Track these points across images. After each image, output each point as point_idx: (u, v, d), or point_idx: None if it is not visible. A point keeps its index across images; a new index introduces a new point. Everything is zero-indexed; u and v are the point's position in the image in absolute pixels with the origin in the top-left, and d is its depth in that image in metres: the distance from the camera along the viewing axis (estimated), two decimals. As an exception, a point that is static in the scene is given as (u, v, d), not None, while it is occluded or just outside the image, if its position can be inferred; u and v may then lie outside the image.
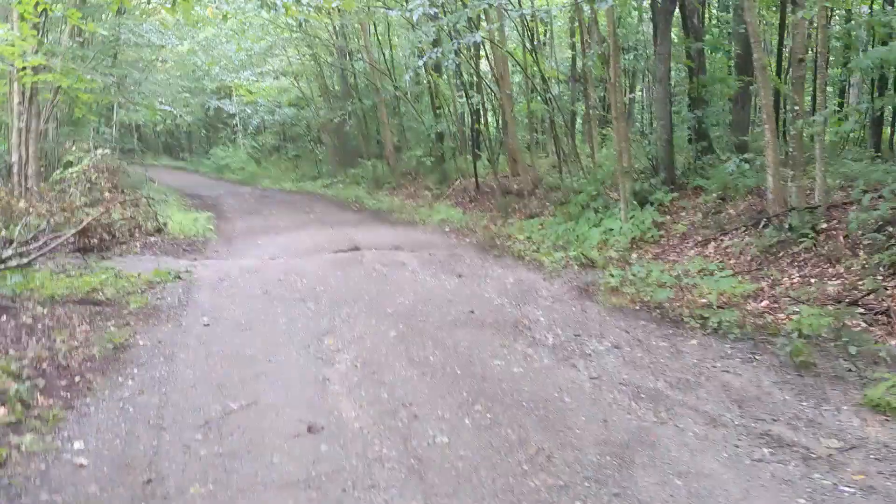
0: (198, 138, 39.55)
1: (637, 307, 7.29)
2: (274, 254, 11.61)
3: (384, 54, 22.12)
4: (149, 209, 13.38)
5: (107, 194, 13.26)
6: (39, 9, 9.77)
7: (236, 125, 32.86)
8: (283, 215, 17.08)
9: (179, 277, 9.79)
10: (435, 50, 12.53)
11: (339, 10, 22.52)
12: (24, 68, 12.07)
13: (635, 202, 12.48)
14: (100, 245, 11.89)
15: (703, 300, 7.32)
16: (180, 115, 27.33)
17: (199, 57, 24.33)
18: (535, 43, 16.19)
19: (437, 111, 21.19)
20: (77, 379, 5.59)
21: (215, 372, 5.63)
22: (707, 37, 15.18)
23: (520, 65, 16.62)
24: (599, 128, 17.71)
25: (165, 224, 13.81)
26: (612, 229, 11.98)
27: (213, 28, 24.88)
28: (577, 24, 18.27)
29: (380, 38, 22.05)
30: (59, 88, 16.27)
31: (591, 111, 16.01)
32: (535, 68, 15.91)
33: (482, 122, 19.15)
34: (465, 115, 20.66)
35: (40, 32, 14.40)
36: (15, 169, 15.20)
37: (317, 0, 8.39)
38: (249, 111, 29.84)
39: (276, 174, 28.75)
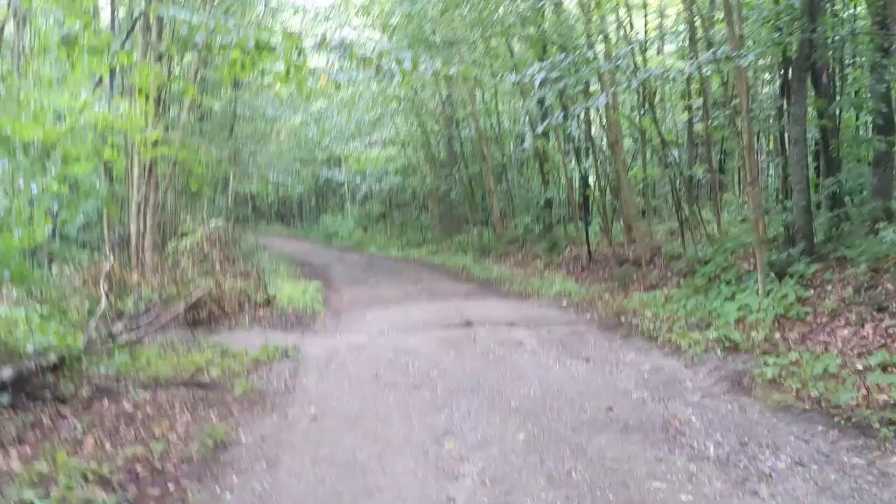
0: (308, 206, 40.04)
1: (807, 406, 6.09)
2: (382, 329, 10.89)
3: (491, 122, 21.59)
4: (259, 281, 12.97)
5: (217, 266, 12.95)
6: (157, 83, 9.55)
7: (345, 193, 33.02)
8: (391, 285, 16.47)
9: (287, 355, 9.17)
10: (556, 115, 11.76)
11: (448, 79, 22.32)
12: (144, 143, 11.99)
13: (772, 274, 11.21)
14: (209, 318, 11.48)
15: (884, 397, 6.07)
16: (291, 186, 27.54)
17: (311, 129, 24.41)
18: (652, 105, 15.23)
19: (545, 177, 20.41)
20: (171, 487, 4.88)
21: (323, 486, 4.80)
22: (843, 96, 13.88)
23: (637, 127, 15.66)
24: (720, 193, 16.48)
25: (275, 296, 13.37)
26: (748, 305, 10.71)
27: (324, 101, 25.08)
28: (694, 84, 17.28)
29: (486, 105, 21.56)
30: (175, 161, 16.39)
31: (714, 175, 14.80)
32: (654, 130, 14.90)
33: (593, 188, 18.24)
34: (575, 180, 19.79)
35: (159, 108, 14.48)
36: (133, 241, 15.19)
37: (434, 66, 7.79)
38: (358, 180, 29.89)
39: (382, 241, 28.49)
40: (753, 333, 9.03)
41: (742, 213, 16.85)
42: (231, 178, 23.04)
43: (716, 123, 14.02)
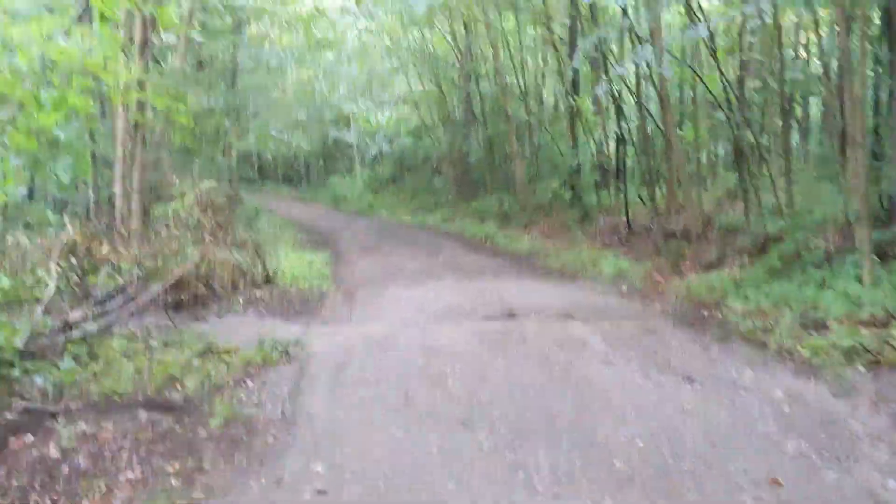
0: (316, 168, 37.57)
1: None
2: (406, 316, 8.62)
3: (517, 77, 19.06)
4: (256, 256, 10.69)
5: (207, 237, 10.66)
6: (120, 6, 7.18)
7: (354, 155, 30.59)
8: (408, 256, 14.17)
9: (287, 353, 6.95)
10: (618, 66, 9.38)
11: (466, 28, 19.78)
12: (117, 87, 9.63)
13: (875, 257, 8.93)
14: (195, 301, 9.21)
15: None
16: (297, 144, 25.10)
17: (318, 82, 21.84)
18: (715, 57, 12.77)
19: (576, 139, 17.98)
20: None
21: None
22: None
23: (700, 77, 13.21)
24: (783, 156, 14.11)
25: (276, 272, 11.09)
26: (853, 295, 8.43)
27: (332, 52, 22.53)
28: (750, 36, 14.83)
29: (512, 58, 19.01)
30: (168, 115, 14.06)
31: (786, 136, 12.32)
32: (720, 80, 12.45)
33: (633, 149, 15.87)
34: (609, 141, 17.40)
35: (145, 50, 12.09)
36: (119, 205, 12.88)
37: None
38: (368, 141, 27.46)
39: (393, 205, 26.10)
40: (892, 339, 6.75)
41: (805, 181, 14.50)
42: (231, 134, 20.59)
43: (793, 76, 11.60)
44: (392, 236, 18.18)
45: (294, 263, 12.37)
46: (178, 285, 9.07)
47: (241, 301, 9.59)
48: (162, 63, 15.87)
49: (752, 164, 12.80)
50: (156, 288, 8.65)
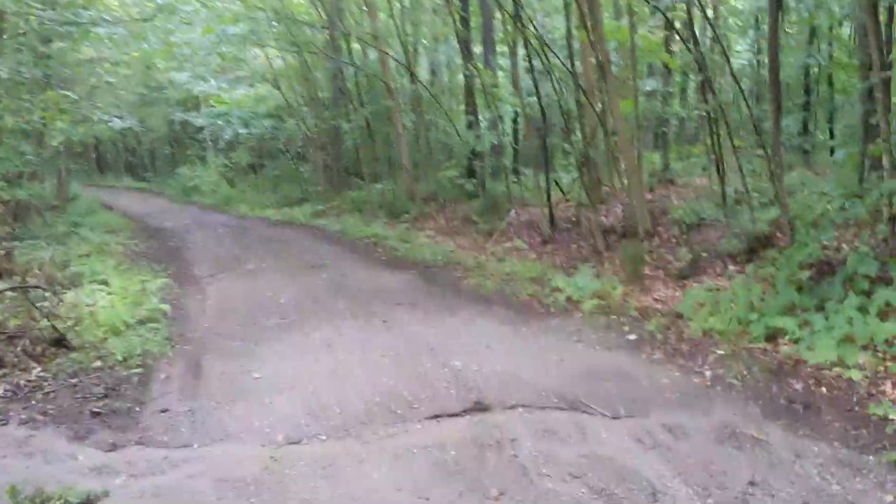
0: (162, 156, 31.86)
1: None
2: (296, 431, 4.61)
3: (400, 43, 15.02)
4: (31, 306, 6.24)
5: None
6: None
7: (206, 141, 25.47)
8: (282, 274, 10.01)
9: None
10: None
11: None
12: None
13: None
14: None
15: None
16: (129, 128, 19.89)
17: (149, 43, 16.65)
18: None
19: (476, 115, 14.30)
20: None
21: None
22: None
23: (680, 37, 9.85)
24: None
25: (76, 322, 6.70)
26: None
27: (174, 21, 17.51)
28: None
29: (396, 22, 14.96)
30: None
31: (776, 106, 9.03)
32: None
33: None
34: (519, 119, 13.86)
35: None
36: None
37: None
38: (220, 123, 22.55)
39: (254, 197, 21.44)
40: None
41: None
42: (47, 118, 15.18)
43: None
44: (256, 240, 13.80)
45: (113, 299, 7.93)
46: None
47: (1, 391, 5.23)
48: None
49: (723, 135, 9.55)
50: None
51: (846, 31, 12.87)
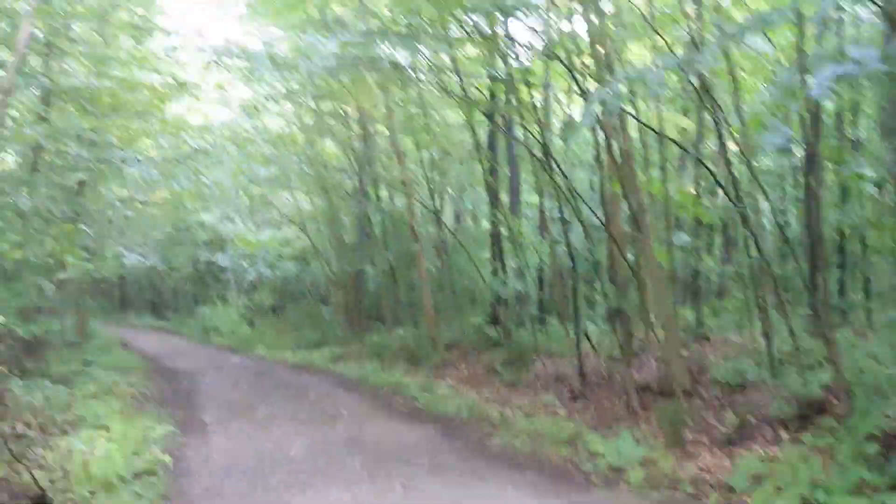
0: (184, 295, 31.81)
1: None
2: None
3: (430, 190, 14.99)
4: (13, 461, 5.60)
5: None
6: None
7: (229, 281, 25.41)
8: (295, 425, 9.29)
9: None
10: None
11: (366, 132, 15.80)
12: None
13: None
14: None
15: None
16: (159, 267, 19.83)
17: (179, 183, 16.73)
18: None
19: (503, 261, 13.96)
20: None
21: None
22: None
23: (724, 191, 9.64)
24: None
25: (63, 475, 5.99)
26: None
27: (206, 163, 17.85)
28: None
29: (425, 168, 15.03)
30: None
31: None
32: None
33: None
34: (544, 267, 13.49)
35: None
36: None
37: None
38: (245, 265, 22.54)
39: (273, 339, 20.94)
40: None
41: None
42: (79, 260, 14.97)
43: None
44: (271, 385, 13.17)
45: (114, 444, 7.26)
46: None
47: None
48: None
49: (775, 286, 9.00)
50: None
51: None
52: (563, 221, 11.27)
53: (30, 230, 11.21)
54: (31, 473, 5.42)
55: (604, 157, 10.28)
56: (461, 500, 5.77)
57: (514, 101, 11.27)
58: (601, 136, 10.15)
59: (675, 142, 11.29)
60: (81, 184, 14.68)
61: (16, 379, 8.27)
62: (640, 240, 9.92)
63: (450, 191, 16.71)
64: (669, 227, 11.35)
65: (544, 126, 11.54)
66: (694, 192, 12.43)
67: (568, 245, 11.20)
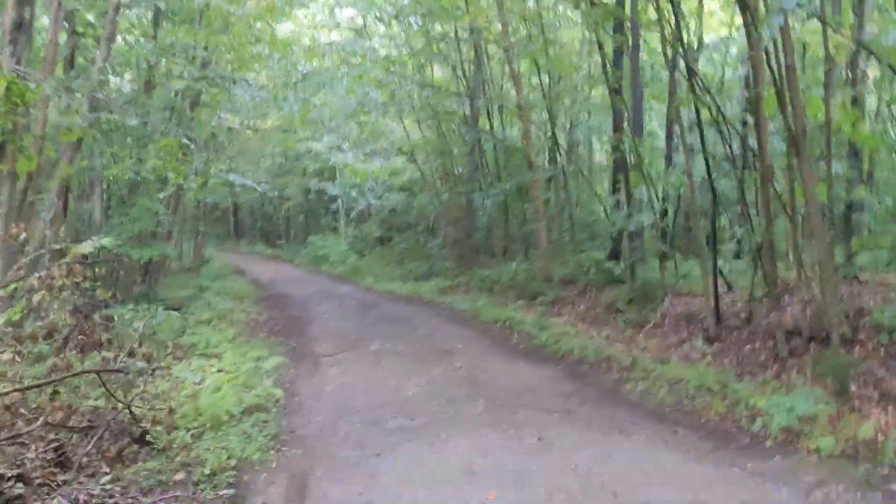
0: (297, 225, 32.02)
1: None
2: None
3: (548, 115, 13.75)
4: (111, 397, 5.11)
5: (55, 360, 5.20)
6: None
7: (339, 211, 25.17)
8: (408, 361, 8.65)
9: None
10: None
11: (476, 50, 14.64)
12: None
13: None
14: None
15: None
16: (271, 194, 19.63)
17: (289, 101, 16.14)
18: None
19: (629, 193, 12.69)
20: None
21: None
22: None
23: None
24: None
25: (171, 411, 5.52)
26: None
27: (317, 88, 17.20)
28: None
29: (546, 92, 13.75)
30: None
31: None
32: None
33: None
34: (677, 195, 12.15)
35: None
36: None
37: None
38: (354, 195, 22.11)
39: (381, 270, 20.54)
40: None
41: None
42: (181, 178, 14.82)
43: None
44: (381, 316, 12.64)
45: (221, 378, 6.80)
46: None
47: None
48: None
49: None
50: None
51: None
52: (703, 149, 9.90)
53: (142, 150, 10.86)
54: (130, 410, 4.92)
55: (764, 74, 8.79)
56: (608, 458, 4.89)
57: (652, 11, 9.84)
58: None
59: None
60: (192, 107, 14.33)
61: (122, 305, 7.93)
62: (799, 166, 8.49)
63: (568, 118, 15.39)
64: (830, 154, 9.78)
65: (685, 45, 10.08)
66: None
67: (709, 172, 9.85)
